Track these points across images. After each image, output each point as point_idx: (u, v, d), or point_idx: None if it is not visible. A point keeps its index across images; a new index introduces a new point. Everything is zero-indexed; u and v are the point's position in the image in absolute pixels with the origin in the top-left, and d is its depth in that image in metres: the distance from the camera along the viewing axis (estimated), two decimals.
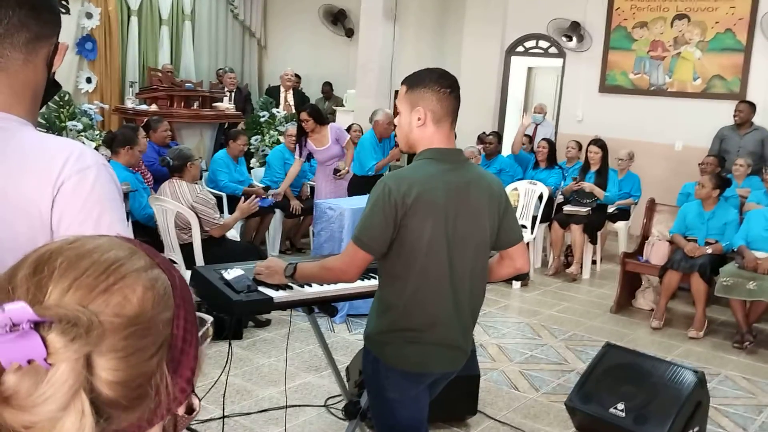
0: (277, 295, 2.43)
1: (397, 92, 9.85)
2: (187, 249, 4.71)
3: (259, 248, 5.47)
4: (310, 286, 2.52)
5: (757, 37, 8.10)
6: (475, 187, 2.18)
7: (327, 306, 2.56)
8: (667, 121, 8.69)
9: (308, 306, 2.62)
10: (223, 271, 2.47)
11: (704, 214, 5.79)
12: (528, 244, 6.69)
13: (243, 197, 5.16)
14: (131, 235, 1.34)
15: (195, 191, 4.75)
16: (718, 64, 8.39)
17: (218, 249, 4.76)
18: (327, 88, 10.98)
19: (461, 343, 2.22)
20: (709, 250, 5.58)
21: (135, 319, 0.66)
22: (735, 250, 5.54)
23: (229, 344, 2.70)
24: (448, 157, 2.17)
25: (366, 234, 2.10)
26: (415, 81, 2.19)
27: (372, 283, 2.55)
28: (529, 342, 5.17)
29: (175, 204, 4.61)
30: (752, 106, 7.60)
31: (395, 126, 2.28)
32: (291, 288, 2.49)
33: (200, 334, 0.76)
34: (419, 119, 2.15)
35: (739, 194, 6.65)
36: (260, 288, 2.44)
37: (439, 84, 2.16)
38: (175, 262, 4.72)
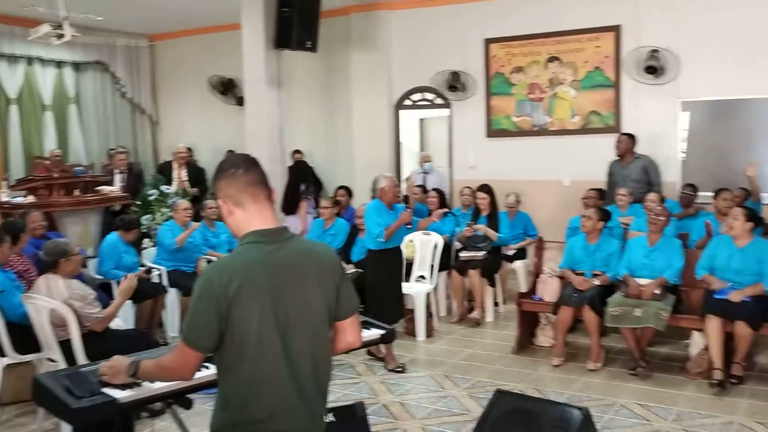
0: (123, 395, 2.33)
1: (293, 153, 9.84)
2: (67, 345, 4.49)
3: (148, 334, 5.28)
4: None
5: (623, 72, 8.55)
6: (304, 264, 2.15)
7: (181, 398, 2.48)
8: (553, 158, 9.02)
9: (163, 400, 2.52)
10: (65, 376, 2.36)
11: (589, 247, 5.97)
12: (429, 294, 6.76)
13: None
14: None
15: (71, 287, 4.57)
16: (592, 100, 8.80)
17: (101, 342, 4.56)
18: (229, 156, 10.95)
19: (309, 427, 2.16)
20: (597, 282, 5.74)
21: None
22: (620, 279, 5.72)
23: None
24: (270, 237, 2.13)
25: (192, 331, 2.05)
26: (213, 178, 2.22)
27: None
28: (432, 395, 5.14)
29: (48, 301, 4.42)
30: (631, 138, 7.96)
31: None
32: (139, 385, 2.39)
33: None
34: (226, 210, 2.15)
35: (622, 222, 6.91)
36: (105, 389, 2.33)
37: (224, 169, 2.17)
38: (53, 360, 4.51)
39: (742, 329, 5.07)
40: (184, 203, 7.21)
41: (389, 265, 5.89)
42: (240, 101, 10.99)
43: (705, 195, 7.30)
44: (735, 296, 5.15)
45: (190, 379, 2.15)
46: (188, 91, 11.83)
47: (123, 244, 6.51)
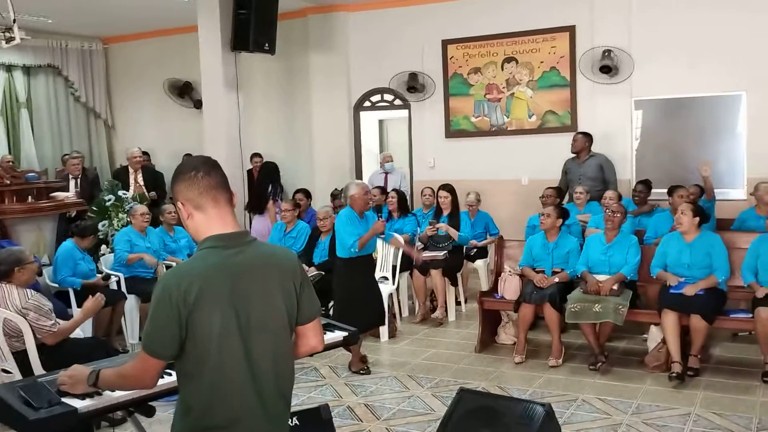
0: (83, 404, 2.29)
1: (251, 157, 9.81)
2: (22, 356, 4.39)
3: (108, 343, 5.19)
4: None
5: (578, 72, 8.69)
6: (265, 268, 2.14)
7: (144, 406, 2.44)
8: (511, 158, 9.12)
9: (124, 409, 2.48)
10: (22, 387, 2.31)
11: (548, 244, 6.05)
12: (391, 295, 6.78)
13: (90, 295, 4.87)
14: None
15: (25, 297, 4.46)
16: (549, 100, 8.93)
17: (58, 352, 4.45)
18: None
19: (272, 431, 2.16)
20: (556, 279, 5.82)
21: None
22: (579, 275, 5.81)
23: None
24: (229, 241, 2.11)
25: (152, 339, 2.03)
26: (172, 181, 2.19)
27: None
28: (397, 396, 5.15)
29: (1, 311, 4.31)
30: (587, 136, 8.09)
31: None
32: (100, 394, 2.35)
33: None
34: (185, 213, 2.12)
35: (580, 220, 7.02)
36: (65, 399, 2.29)
37: (184, 172, 2.14)
38: (9, 372, 4.40)
39: (697, 322, 5.19)
40: (141, 208, 7.11)
41: (363, 272, 5.77)
42: (197, 104, 10.88)
43: (659, 192, 7.46)
44: (689, 290, 5.27)
45: (152, 387, 2.12)
46: (144, 95, 11.67)
47: (79, 251, 6.39)
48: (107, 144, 12.05)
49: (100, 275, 6.56)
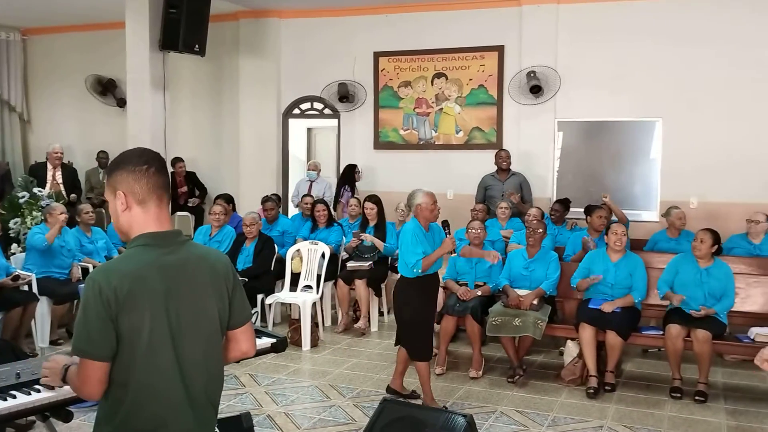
0: None
1: (173, 162, 9.60)
2: None
3: (14, 345, 4.95)
4: (38, 392, 2.29)
5: (506, 91, 8.91)
6: (197, 269, 2.09)
7: (60, 410, 2.35)
8: (438, 172, 9.25)
9: (39, 413, 2.37)
10: None
11: (471, 258, 6.15)
12: (314, 304, 6.74)
13: None
14: None
15: None
16: (476, 117, 9.12)
17: None
18: (103, 158, 10.33)
19: None
20: (479, 293, 5.92)
21: None
22: (501, 289, 5.94)
23: None
24: (163, 240, 2.06)
25: (85, 341, 1.94)
26: (113, 165, 2.10)
27: None
28: (318, 405, 5.12)
29: None
30: (510, 154, 8.33)
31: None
32: (14, 397, 2.25)
33: None
34: (122, 204, 2.06)
35: (503, 235, 7.17)
36: None
37: (134, 163, 2.07)
38: None
39: (612, 338, 5.38)
40: (60, 207, 6.83)
41: (427, 294, 5.07)
42: (120, 103, 10.59)
43: (577, 211, 7.72)
44: (606, 307, 5.46)
45: (97, 397, 1.99)
46: (64, 90, 11.27)
47: None
48: (22, 139, 11.57)
49: (8, 276, 6.26)
